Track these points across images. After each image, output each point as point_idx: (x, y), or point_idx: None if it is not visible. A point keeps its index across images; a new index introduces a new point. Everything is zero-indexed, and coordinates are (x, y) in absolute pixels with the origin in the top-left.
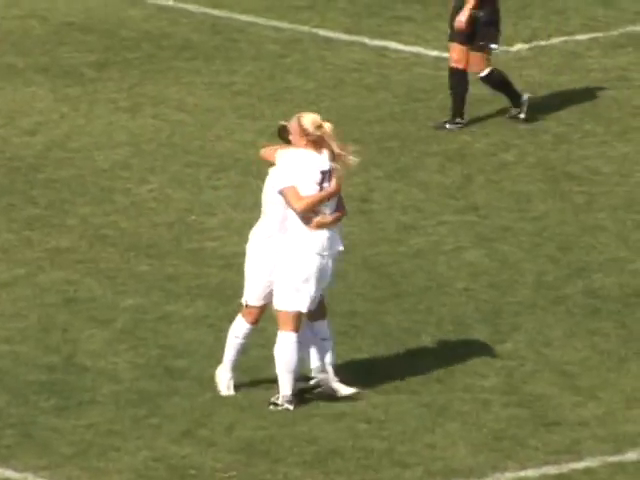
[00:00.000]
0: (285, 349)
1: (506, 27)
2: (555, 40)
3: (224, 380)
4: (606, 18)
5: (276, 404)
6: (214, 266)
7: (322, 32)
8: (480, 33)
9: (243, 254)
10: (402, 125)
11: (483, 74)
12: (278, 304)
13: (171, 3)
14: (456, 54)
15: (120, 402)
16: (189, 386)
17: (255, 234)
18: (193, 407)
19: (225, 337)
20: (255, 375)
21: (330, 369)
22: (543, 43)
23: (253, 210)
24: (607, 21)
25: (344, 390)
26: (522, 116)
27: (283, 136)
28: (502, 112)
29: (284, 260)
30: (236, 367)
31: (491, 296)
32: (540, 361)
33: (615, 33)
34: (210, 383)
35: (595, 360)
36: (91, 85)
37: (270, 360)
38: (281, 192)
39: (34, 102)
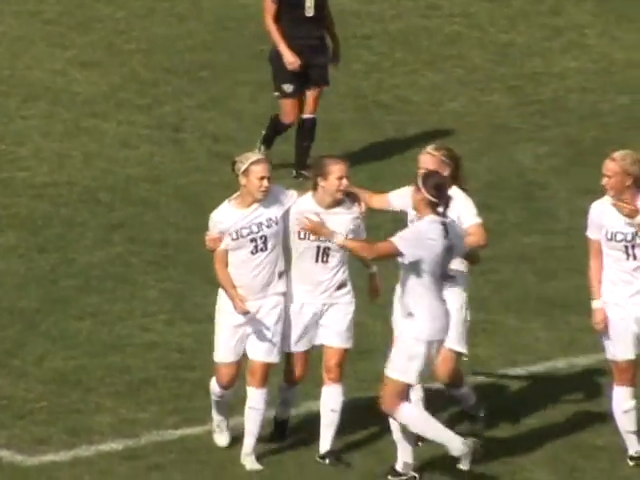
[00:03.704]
0: None
1: None
2: None
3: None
4: None
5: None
6: (24, 196)
7: None
8: None
9: (54, 184)
10: (214, 54)
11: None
12: None
13: None
14: None
15: None
16: (0, 317)
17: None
18: (3, 338)
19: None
20: (65, 305)
21: None
22: None
23: (63, 140)
24: None
25: None
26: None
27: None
28: None
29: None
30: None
31: None
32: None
33: None
34: (21, 314)
35: None
36: None
37: (79, 290)
38: None
39: None
